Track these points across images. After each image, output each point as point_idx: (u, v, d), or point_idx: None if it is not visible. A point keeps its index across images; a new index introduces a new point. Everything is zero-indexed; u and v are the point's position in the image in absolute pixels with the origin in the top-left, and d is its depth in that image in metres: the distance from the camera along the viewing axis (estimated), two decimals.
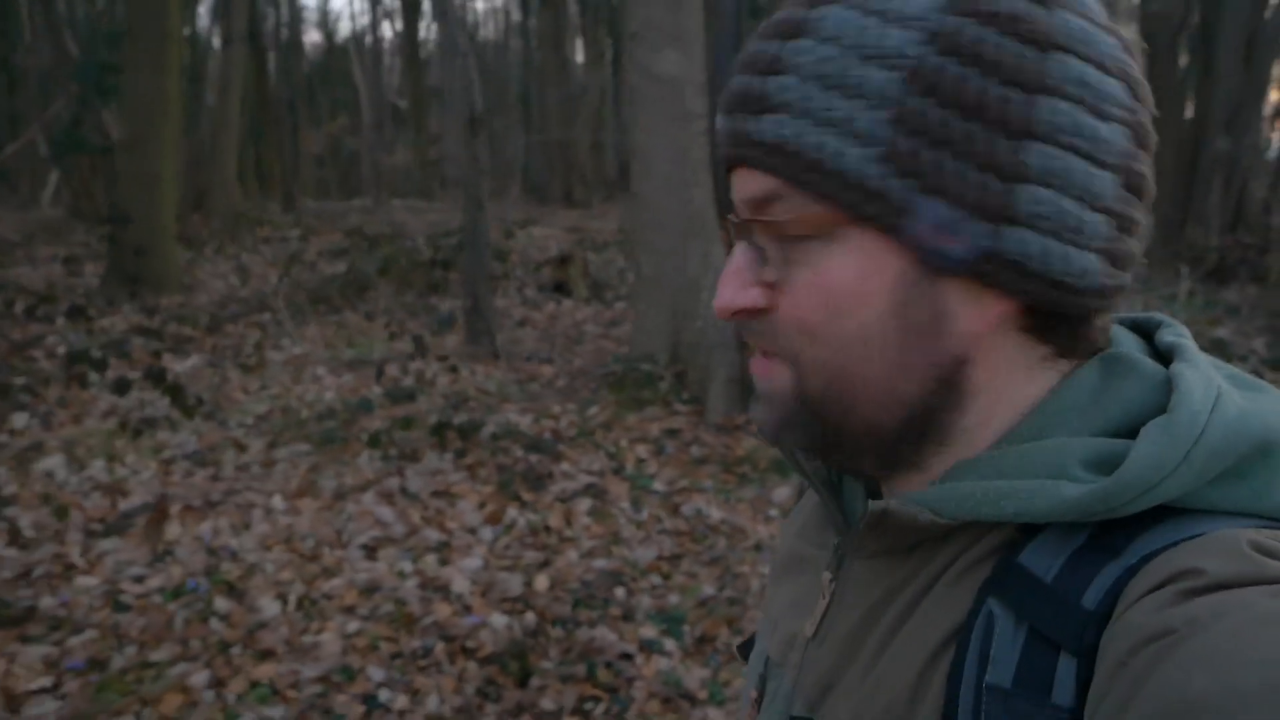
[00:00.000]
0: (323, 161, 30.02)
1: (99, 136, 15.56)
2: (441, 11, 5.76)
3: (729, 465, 4.48)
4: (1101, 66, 0.50)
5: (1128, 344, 0.58)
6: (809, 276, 0.53)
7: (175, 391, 5.14)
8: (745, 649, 0.79)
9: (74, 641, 3.16)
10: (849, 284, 0.53)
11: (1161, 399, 0.52)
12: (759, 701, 0.68)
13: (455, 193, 28.64)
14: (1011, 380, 0.55)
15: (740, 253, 0.56)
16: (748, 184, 0.54)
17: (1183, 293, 8.44)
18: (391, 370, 5.68)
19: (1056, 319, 0.53)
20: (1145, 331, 0.61)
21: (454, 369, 5.55)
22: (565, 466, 4.42)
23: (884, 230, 0.52)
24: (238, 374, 5.91)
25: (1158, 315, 0.62)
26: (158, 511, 3.75)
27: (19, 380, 5.97)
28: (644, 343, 5.45)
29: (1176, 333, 0.58)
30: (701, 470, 4.45)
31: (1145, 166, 0.52)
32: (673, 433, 4.78)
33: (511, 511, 4.04)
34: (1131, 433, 0.51)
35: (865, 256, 0.53)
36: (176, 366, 6.18)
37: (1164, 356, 0.57)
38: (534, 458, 4.40)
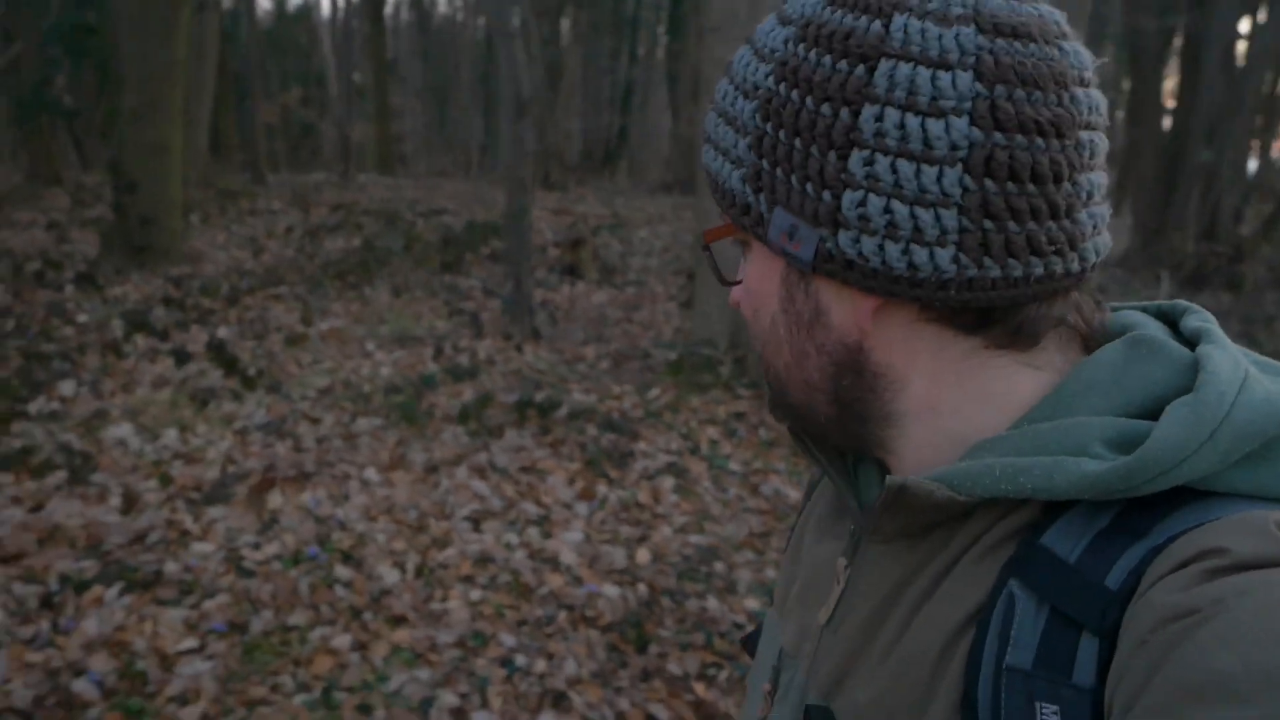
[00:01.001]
0: (273, 133, 29.38)
1: (67, 99, 15.11)
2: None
3: (797, 449, 4.66)
4: (938, 63, 0.50)
5: (1152, 329, 0.58)
6: (742, 282, 0.64)
7: (232, 363, 5.14)
8: (750, 642, 0.80)
9: (209, 605, 3.21)
10: (755, 286, 0.62)
11: (1187, 381, 0.52)
12: (772, 694, 0.69)
13: (415, 169, 28.31)
14: (943, 367, 0.56)
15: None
16: None
17: (1164, 296, 8.88)
18: (444, 347, 5.74)
19: (958, 311, 0.54)
20: (1170, 319, 0.61)
21: (519, 348, 5.64)
22: (643, 446, 4.56)
23: (759, 239, 0.59)
24: (281, 346, 5.89)
25: (1183, 302, 0.62)
26: (264, 481, 3.79)
27: (49, 347, 5.88)
28: (704, 328, 5.61)
29: (1202, 318, 0.59)
30: (772, 452, 4.64)
31: (1014, 143, 0.50)
32: (739, 415, 4.96)
33: (601, 488, 4.17)
34: (1154, 414, 0.51)
35: (761, 262, 0.61)
36: (203, 338, 6.13)
37: (1190, 343, 0.57)
38: (611, 437, 4.53)
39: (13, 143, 17.43)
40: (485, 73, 30.71)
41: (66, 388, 5.17)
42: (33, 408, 4.84)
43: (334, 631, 3.15)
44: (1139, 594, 0.45)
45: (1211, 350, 0.52)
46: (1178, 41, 10.73)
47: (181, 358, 4.98)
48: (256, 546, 3.55)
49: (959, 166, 0.50)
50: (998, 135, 0.50)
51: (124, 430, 4.56)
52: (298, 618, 3.20)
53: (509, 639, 3.23)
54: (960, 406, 0.56)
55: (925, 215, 0.51)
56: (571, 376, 5.56)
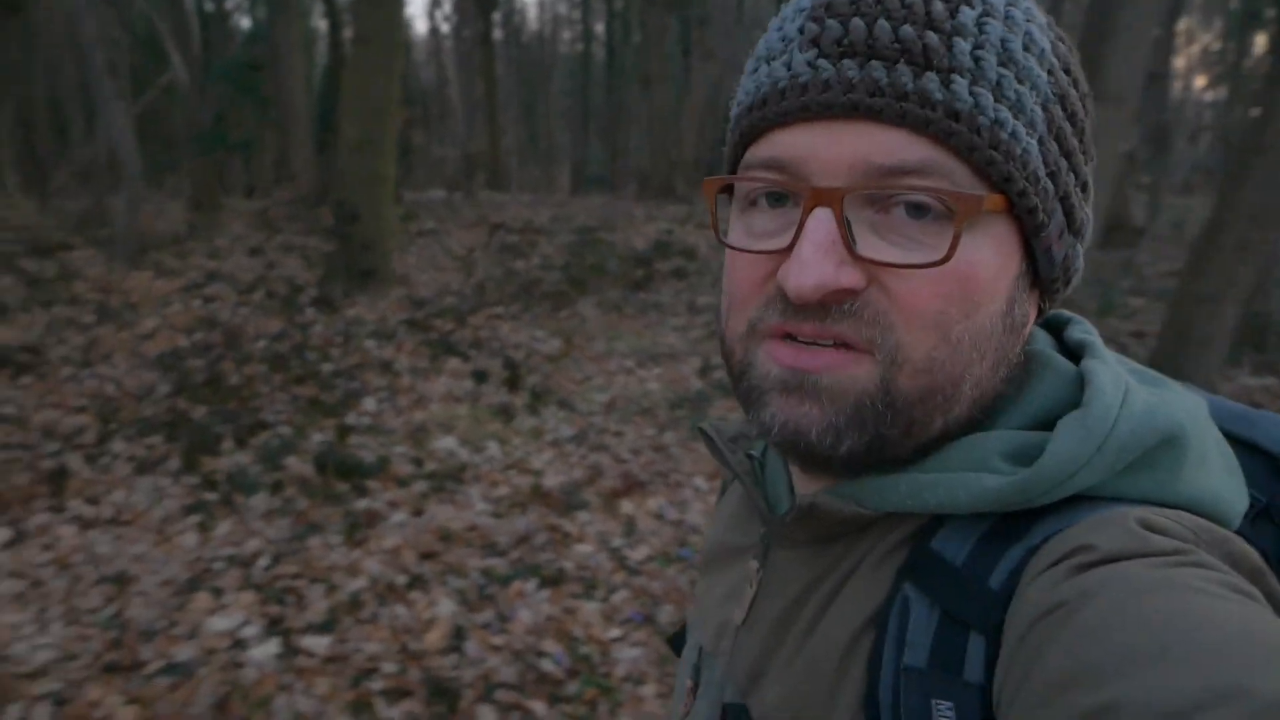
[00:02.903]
0: None
1: (236, 132, 16.14)
2: (700, 19, 6.16)
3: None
4: None
5: (1040, 340, 0.60)
6: (951, 263, 0.49)
7: (516, 380, 5.60)
8: (676, 641, 0.81)
9: (615, 599, 3.62)
10: (989, 276, 0.51)
11: (1074, 394, 0.54)
12: (694, 690, 0.70)
13: (522, 185, 29.04)
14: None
15: (827, 224, 0.49)
16: (878, 145, 0.49)
17: None
18: (695, 363, 6.14)
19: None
20: (1055, 327, 0.63)
21: None
22: None
23: (1026, 225, 0.52)
24: (542, 363, 6.36)
25: (1065, 312, 0.63)
26: (621, 489, 4.20)
27: (327, 367, 6.45)
28: None
29: (1084, 330, 0.61)
30: None
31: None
32: None
33: None
34: (1047, 426, 0.53)
35: (1003, 248, 0.52)
36: (498, 358, 6.63)
37: (1073, 353, 0.59)
38: None
39: (150, 174, 18.55)
40: (583, 84, 31.47)
41: (369, 404, 5.70)
42: (350, 422, 5.36)
43: None
44: (1018, 593, 0.47)
45: (1095, 365, 0.55)
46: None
47: (479, 376, 5.46)
48: (630, 548, 3.96)
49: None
50: None
51: (449, 443, 5.04)
52: None
53: None
54: None
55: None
56: None
